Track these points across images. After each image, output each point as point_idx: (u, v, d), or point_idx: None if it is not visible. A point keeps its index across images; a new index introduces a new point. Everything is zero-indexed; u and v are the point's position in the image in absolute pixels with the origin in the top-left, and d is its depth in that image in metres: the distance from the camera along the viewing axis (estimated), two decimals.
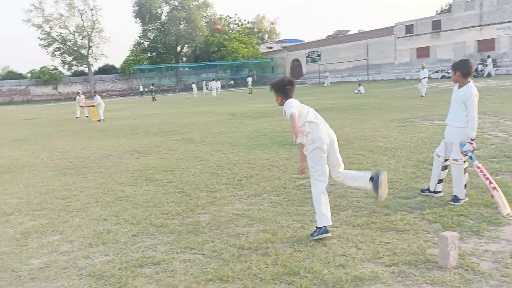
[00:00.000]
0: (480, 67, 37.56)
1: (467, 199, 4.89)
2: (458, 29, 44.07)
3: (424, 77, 21.17)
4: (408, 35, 49.23)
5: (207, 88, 52.48)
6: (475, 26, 42.67)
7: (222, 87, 50.70)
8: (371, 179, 4.29)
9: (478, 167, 4.72)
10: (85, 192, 6.54)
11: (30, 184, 7.41)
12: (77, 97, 26.28)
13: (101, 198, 6.12)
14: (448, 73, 39.95)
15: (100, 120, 20.89)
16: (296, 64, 67.11)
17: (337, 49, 59.15)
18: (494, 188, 4.51)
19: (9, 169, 9.00)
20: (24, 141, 14.30)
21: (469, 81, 4.90)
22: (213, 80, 50.53)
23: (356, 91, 28.33)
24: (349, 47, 57.27)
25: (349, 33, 63.37)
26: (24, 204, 6.09)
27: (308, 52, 64.17)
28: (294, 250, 3.87)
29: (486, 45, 41.74)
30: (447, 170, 5.20)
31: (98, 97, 21.91)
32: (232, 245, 4.10)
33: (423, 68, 22.09)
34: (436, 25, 46.36)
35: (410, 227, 4.23)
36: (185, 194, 6.03)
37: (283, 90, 4.27)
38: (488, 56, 38.31)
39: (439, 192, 5.20)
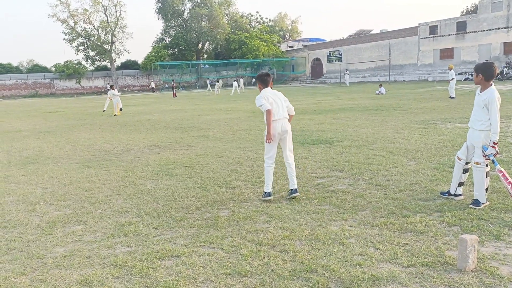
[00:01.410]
0: (505, 70, 36.76)
1: (487, 203, 4.85)
2: (484, 30, 43.22)
3: (452, 78, 20.74)
4: (432, 35, 48.50)
5: (211, 87, 52.58)
6: (502, 28, 41.78)
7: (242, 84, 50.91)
8: (292, 191, 5.55)
9: (501, 171, 4.68)
10: (107, 185, 6.70)
11: (55, 175, 7.62)
12: (111, 91, 23.58)
13: (122, 191, 6.26)
14: (472, 75, 39.19)
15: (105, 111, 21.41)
16: (316, 63, 66.82)
17: (358, 48, 58.65)
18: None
19: (34, 160, 9.25)
20: (48, 133, 14.66)
21: (491, 84, 4.84)
22: (234, 78, 50.81)
23: (377, 92, 28.03)
24: (371, 47, 56.72)
25: (371, 32, 62.72)
26: (49, 194, 6.27)
27: (329, 52, 63.79)
28: (312, 248, 3.90)
29: None
30: (468, 174, 5.16)
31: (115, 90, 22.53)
32: (251, 240, 4.16)
33: (450, 69, 21.71)
34: (461, 26, 45.54)
35: (429, 229, 4.22)
36: (204, 190, 6.12)
37: (262, 80, 5.70)
38: None
39: (460, 195, 5.16)
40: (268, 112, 5.37)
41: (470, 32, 44.62)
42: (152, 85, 62.90)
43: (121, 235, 4.46)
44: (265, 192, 5.56)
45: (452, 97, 20.33)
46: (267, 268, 3.54)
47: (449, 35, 46.76)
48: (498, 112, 4.70)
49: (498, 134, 4.69)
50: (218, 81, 47.19)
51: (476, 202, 4.82)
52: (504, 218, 4.43)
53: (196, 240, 4.23)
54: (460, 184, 5.15)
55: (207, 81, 56.75)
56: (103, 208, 5.48)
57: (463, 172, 5.13)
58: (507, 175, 4.65)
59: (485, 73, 4.79)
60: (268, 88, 5.63)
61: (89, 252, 4.05)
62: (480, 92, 4.89)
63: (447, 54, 47.16)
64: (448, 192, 5.25)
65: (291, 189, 5.56)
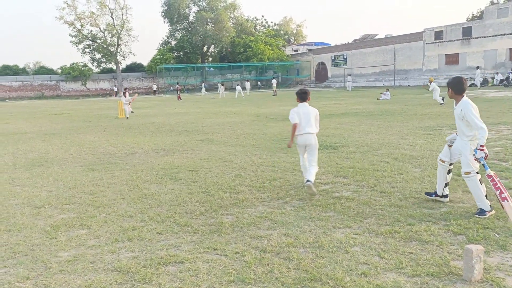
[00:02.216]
0: (511, 76, 36.61)
1: (493, 211, 4.82)
2: (490, 36, 43.07)
3: (432, 89, 21.53)
4: (437, 41, 48.37)
5: (206, 90, 54.55)
6: (508, 34, 41.61)
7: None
8: (307, 181, 5.90)
9: (490, 176, 4.72)
10: (111, 188, 6.71)
11: (59, 178, 7.64)
12: (124, 96, 22.16)
13: (127, 195, 6.27)
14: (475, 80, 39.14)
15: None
16: (321, 67, 66.78)
17: (363, 53, 58.59)
18: (505, 198, 4.49)
19: (39, 163, 9.29)
20: (54, 135, 14.72)
21: (463, 96, 5.03)
22: (238, 82, 51.23)
23: (382, 97, 27.88)
24: (376, 51, 56.65)
25: (376, 37, 62.67)
26: (53, 197, 6.29)
27: (334, 56, 63.76)
28: (316, 256, 3.89)
29: None
30: (451, 174, 5.39)
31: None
32: (255, 247, 4.15)
33: (430, 82, 22.50)
34: (467, 32, 45.40)
35: (434, 238, 4.19)
36: (208, 194, 6.11)
37: (299, 95, 6.30)
38: None
39: (447, 196, 5.32)
40: (293, 126, 6.12)
41: (475, 38, 44.48)
42: (154, 87, 63.09)
43: (125, 240, 4.46)
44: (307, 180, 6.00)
45: (441, 103, 20.58)
46: (271, 276, 3.53)
47: (454, 40, 46.62)
48: (478, 117, 4.80)
49: (485, 138, 4.76)
50: (222, 84, 47.38)
51: (481, 212, 4.80)
52: (510, 228, 4.40)
53: (200, 246, 4.22)
54: (446, 185, 5.32)
55: (202, 84, 58.25)
56: (107, 212, 5.48)
57: (448, 173, 5.33)
58: (496, 180, 4.66)
59: (455, 87, 5.04)
60: (304, 104, 6.20)
61: (93, 257, 4.05)
62: (455, 106, 5.13)
63: (452, 59, 47.02)
64: (435, 193, 5.41)
65: (307, 179, 5.93)
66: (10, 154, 10.73)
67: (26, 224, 5.07)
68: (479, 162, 4.83)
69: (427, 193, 5.56)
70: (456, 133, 5.32)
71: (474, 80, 38.25)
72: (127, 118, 20.96)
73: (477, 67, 39.74)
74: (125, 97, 21.89)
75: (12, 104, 46.77)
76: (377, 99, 27.90)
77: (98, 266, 3.86)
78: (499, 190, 4.57)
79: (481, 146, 4.75)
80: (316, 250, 4.01)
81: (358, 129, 12.76)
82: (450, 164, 5.34)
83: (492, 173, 4.73)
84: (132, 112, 22.99)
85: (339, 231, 4.51)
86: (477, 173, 4.90)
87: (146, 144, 11.63)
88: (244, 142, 11.15)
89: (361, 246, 4.09)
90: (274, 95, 42.39)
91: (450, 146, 5.36)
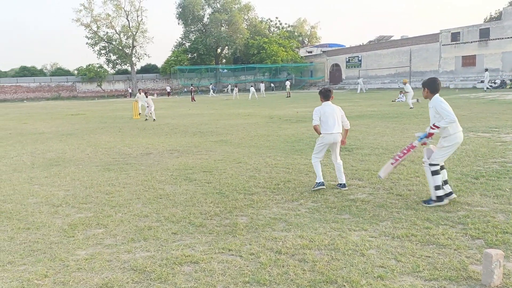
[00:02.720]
0: None
1: (445, 202, 5.20)
2: (508, 37, 42.39)
3: (407, 92, 22.38)
4: (454, 42, 47.81)
5: (213, 92, 56.47)
6: None
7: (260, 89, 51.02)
8: (340, 185, 6.31)
9: (413, 147, 5.38)
10: (127, 188, 6.77)
11: (76, 177, 7.74)
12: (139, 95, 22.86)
13: (142, 195, 6.32)
14: (495, 83, 38.52)
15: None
16: (335, 68, 66.53)
17: (378, 55, 58.18)
18: (396, 161, 5.56)
19: (57, 162, 9.42)
20: (70, 135, 14.93)
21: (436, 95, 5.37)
22: (251, 84, 51.62)
23: (397, 99, 27.60)
24: (391, 53, 56.20)
25: (392, 39, 62.15)
26: (71, 197, 6.37)
27: (349, 57, 63.46)
28: (332, 258, 3.87)
29: None
30: (445, 169, 5.51)
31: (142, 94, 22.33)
32: (269, 249, 4.14)
33: (404, 83, 23.58)
34: (484, 33, 44.77)
35: (452, 242, 4.13)
36: (223, 196, 6.13)
37: (323, 94, 6.38)
38: None
39: (451, 193, 5.39)
40: (315, 127, 6.28)
41: (493, 39, 43.83)
42: (168, 89, 63.57)
43: (140, 240, 4.50)
44: (317, 183, 6.26)
45: (411, 108, 20.95)
46: (286, 278, 3.52)
47: (471, 42, 46.02)
48: (448, 108, 5.12)
49: (446, 124, 5.09)
50: (236, 86, 47.68)
51: (427, 201, 5.26)
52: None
53: (215, 247, 4.23)
54: (445, 182, 5.39)
55: (210, 86, 59.98)
56: (123, 211, 5.53)
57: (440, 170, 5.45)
58: (410, 151, 5.45)
59: (429, 86, 5.35)
60: (328, 102, 6.27)
61: (110, 256, 4.09)
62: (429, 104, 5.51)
63: (469, 61, 46.41)
64: (432, 200, 5.54)
65: (339, 183, 6.31)
66: (28, 153, 10.92)
67: (45, 223, 5.15)
68: (424, 143, 5.31)
69: (424, 202, 5.39)
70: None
71: (492, 82, 37.67)
72: (146, 119, 20.91)
73: (486, 69, 38.96)
74: (146, 97, 21.39)
75: (30, 105, 47.57)
76: (392, 101, 27.66)
77: (114, 264, 3.90)
78: (402, 156, 5.52)
79: (435, 125, 5.15)
80: (331, 253, 3.99)
81: (373, 131, 12.67)
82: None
83: (416, 144, 5.36)
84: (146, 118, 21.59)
85: (354, 233, 4.48)
86: (433, 164, 5.25)
87: (160, 145, 11.72)
88: (258, 144, 11.16)
89: (377, 249, 4.06)
90: (287, 96, 42.33)
91: (423, 144, 5.53)
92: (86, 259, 4.03)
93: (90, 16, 67.50)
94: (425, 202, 5.34)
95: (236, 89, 45.46)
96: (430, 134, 5.30)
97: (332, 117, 6.14)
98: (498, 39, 43.37)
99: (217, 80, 71.56)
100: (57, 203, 6.03)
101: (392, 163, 5.65)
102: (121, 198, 6.17)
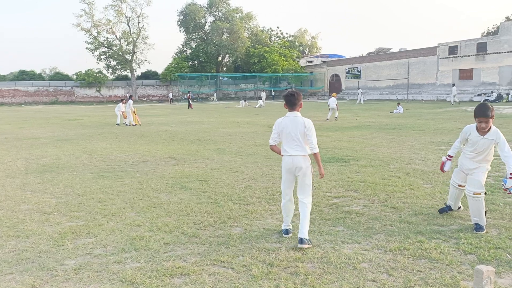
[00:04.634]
0: None
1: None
2: (505, 52, 42.64)
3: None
4: (451, 56, 48.06)
5: (216, 99, 58.04)
6: None
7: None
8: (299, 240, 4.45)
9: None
10: (121, 197, 6.72)
11: (69, 184, 7.69)
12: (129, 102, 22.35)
13: (136, 204, 6.27)
14: (490, 95, 38.65)
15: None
16: (335, 79, 66.73)
17: (377, 66, 58.45)
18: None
19: (50, 168, 9.37)
20: (66, 141, 14.87)
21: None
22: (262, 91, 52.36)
23: (395, 111, 27.69)
24: (390, 65, 56.48)
25: (390, 51, 62.52)
26: (62, 204, 6.32)
27: (348, 68, 63.71)
28: (324, 272, 3.83)
29: None
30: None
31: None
32: (262, 261, 4.10)
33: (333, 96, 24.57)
34: (482, 47, 45.02)
35: (444, 257, 4.10)
36: (218, 205, 6.09)
37: (285, 100, 4.72)
38: None
39: (460, 207, 5.53)
40: (271, 148, 4.81)
41: (490, 53, 44.07)
42: (170, 96, 63.65)
43: (131, 250, 4.45)
44: (282, 229, 4.90)
45: (327, 119, 22.34)
46: None
47: (469, 55, 46.25)
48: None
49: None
50: (245, 100, 49.16)
51: (480, 227, 4.84)
52: None
53: (207, 258, 4.19)
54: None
55: (214, 94, 62.14)
56: (116, 220, 5.49)
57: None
58: None
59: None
60: (292, 113, 4.61)
61: (99, 266, 4.04)
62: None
63: (466, 74, 46.61)
64: (449, 208, 5.51)
65: (299, 237, 4.45)
66: (23, 159, 10.86)
67: (35, 231, 5.10)
68: (510, 193, 4.74)
69: (476, 229, 4.88)
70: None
71: (488, 96, 37.78)
72: (133, 125, 21.30)
73: (453, 84, 39.49)
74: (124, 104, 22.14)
75: (28, 109, 47.50)
76: (390, 112, 27.73)
77: (103, 275, 3.85)
78: None
79: (511, 174, 4.61)
80: (324, 266, 3.95)
81: (370, 143, 12.66)
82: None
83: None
84: (125, 124, 21.64)
85: (348, 246, 4.45)
86: (485, 193, 4.99)
87: (157, 152, 11.68)
88: (255, 153, 11.13)
89: (369, 262, 4.02)
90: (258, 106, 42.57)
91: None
92: (74, 269, 3.98)
93: (91, 21, 67.65)
94: (477, 229, 4.81)
95: (243, 102, 46.28)
96: None
97: (294, 133, 4.54)
98: (495, 53, 43.60)
99: (218, 88, 71.71)
100: (49, 210, 5.98)
101: None
102: (114, 207, 6.13)
